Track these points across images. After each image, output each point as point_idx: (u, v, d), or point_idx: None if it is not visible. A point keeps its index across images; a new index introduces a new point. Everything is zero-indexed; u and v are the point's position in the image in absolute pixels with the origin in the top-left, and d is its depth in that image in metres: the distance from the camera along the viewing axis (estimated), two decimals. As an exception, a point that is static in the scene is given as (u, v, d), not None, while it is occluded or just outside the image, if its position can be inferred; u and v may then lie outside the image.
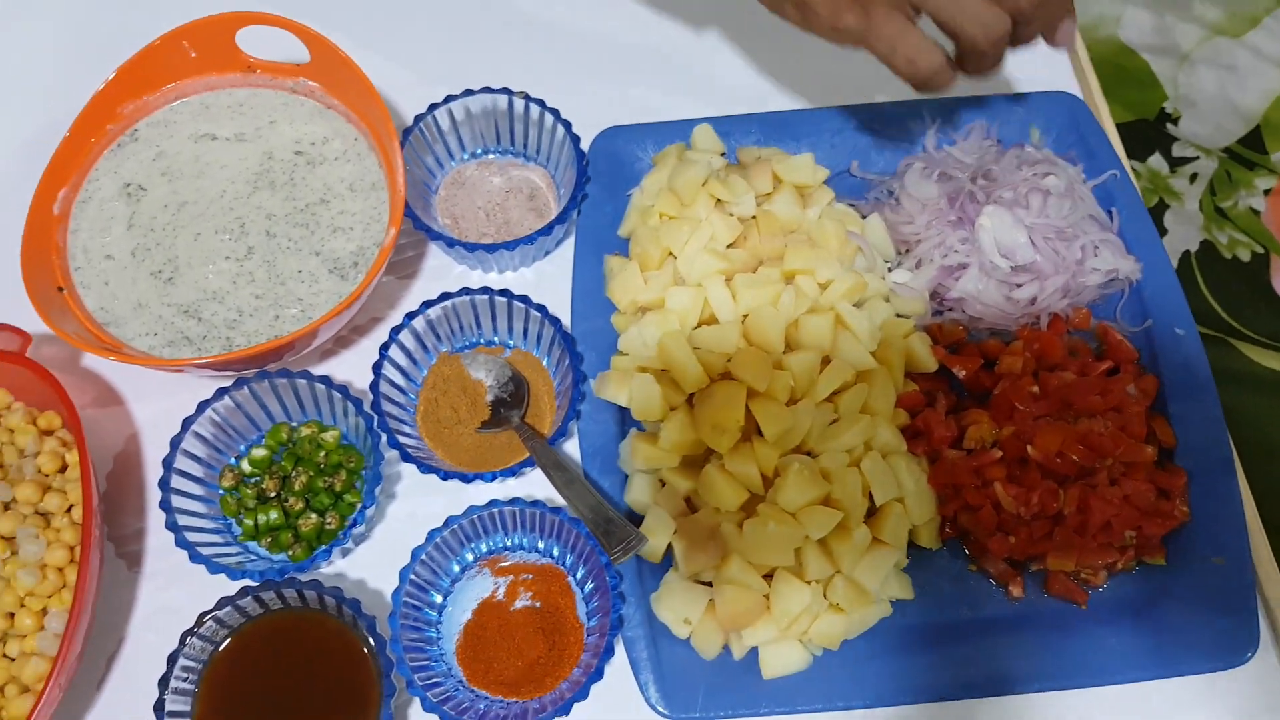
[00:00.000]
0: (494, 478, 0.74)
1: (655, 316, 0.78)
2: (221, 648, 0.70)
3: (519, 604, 0.74)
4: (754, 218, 0.82)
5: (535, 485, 0.81)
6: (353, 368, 0.84)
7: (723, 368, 0.75)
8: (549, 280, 0.88)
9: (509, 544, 0.76)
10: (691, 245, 0.80)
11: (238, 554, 0.75)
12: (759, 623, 0.70)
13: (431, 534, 0.72)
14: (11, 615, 0.69)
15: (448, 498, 0.79)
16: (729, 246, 0.82)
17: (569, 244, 0.89)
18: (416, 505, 0.80)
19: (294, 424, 0.80)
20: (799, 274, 0.79)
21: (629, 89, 0.96)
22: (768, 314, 0.76)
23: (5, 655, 0.69)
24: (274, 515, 0.75)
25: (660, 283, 0.80)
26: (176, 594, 0.76)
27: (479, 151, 0.91)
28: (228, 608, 0.69)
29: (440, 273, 0.89)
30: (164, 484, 0.73)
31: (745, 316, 0.78)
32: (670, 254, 0.81)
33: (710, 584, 0.73)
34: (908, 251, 0.84)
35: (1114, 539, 0.74)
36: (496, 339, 0.84)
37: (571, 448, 0.81)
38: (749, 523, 0.71)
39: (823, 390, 0.75)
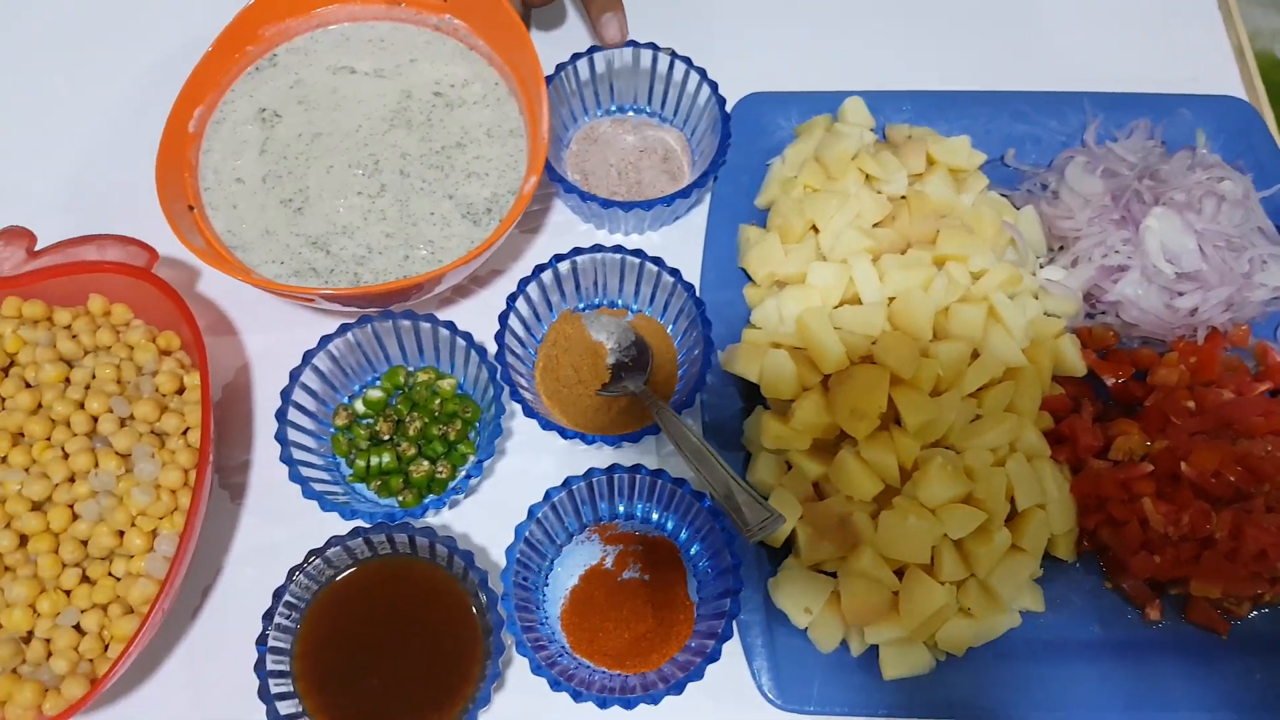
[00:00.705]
0: (618, 443, 0.71)
1: (795, 291, 0.75)
2: (326, 588, 0.68)
3: (626, 575, 0.71)
4: (904, 198, 0.78)
5: (643, 453, 0.78)
6: (469, 317, 0.82)
7: (865, 351, 0.72)
8: (674, 247, 0.85)
9: (621, 511, 0.74)
10: (838, 220, 0.76)
11: (344, 495, 0.73)
12: (885, 620, 0.67)
13: (550, 493, 0.69)
14: (121, 534, 0.68)
15: (556, 458, 0.77)
16: (875, 225, 0.78)
17: (698, 211, 0.86)
18: (527, 463, 0.77)
19: (411, 368, 0.78)
20: (951, 260, 0.75)
21: (767, 55, 0.93)
22: (917, 298, 0.72)
23: (111, 574, 0.68)
24: (386, 459, 0.73)
25: (801, 257, 0.77)
26: (277, 531, 0.75)
27: (613, 109, 0.88)
28: (336, 548, 0.67)
29: (564, 229, 0.86)
30: (280, 415, 0.71)
31: (891, 299, 0.74)
32: (813, 228, 0.78)
33: (831, 574, 0.70)
34: (1061, 248, 0.80)
35: (1266, 569, 0.69)
36: (620, 301, 0.81)
37: (690, 419, 0.78)
38: (886, 514, 0.67)
39: (970, 384, 0.71)
